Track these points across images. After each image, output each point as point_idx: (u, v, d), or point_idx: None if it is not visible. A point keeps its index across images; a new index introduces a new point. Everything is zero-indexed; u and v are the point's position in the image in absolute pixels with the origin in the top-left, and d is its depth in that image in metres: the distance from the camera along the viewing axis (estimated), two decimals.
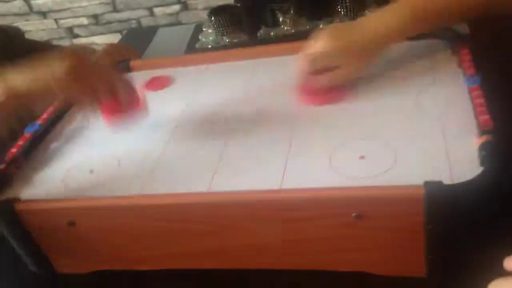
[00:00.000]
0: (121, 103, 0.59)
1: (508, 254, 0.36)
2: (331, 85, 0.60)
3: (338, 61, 0.59)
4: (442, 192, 0.41)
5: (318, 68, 0.60)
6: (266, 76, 0.70)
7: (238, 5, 1.03)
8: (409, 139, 0.51)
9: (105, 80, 0.57)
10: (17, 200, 0.53)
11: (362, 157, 0.50)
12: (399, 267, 0.47)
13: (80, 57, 0.56)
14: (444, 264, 0.45)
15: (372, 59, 0.61)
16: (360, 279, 0.49)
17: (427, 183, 0.42)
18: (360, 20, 0.61)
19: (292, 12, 1.00)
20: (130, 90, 0.60)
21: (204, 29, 1.13)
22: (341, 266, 0.50)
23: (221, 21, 1.04)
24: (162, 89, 0.72)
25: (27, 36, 1.05)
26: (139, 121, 0.61)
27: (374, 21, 0.60)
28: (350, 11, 0.97)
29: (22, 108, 0.59)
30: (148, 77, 0.75)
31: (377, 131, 0.53)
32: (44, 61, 0.55)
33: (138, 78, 0.75)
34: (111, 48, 0.95)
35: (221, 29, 1.05)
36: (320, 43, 0.59)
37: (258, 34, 1.02)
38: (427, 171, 0.45)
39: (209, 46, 1.06)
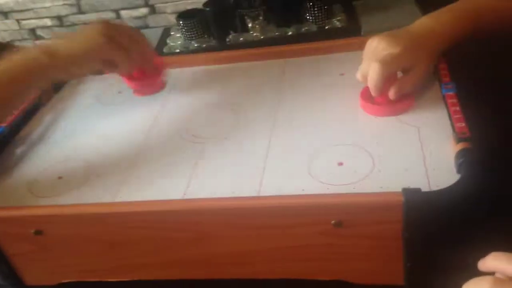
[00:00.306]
0: (146, 68, 0.66)
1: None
2: (404, 92, 0.55)
3: (408, 62, 0.55)
4: (420, 199, 0.42)
5: (393, 72, 0.55)
6: (244, 81, 0.69)
7: (207, 9, 1.02)
8: (387, 146, 0.51)
9: (139, 42, 0.62)
10: None
11: (340, 164, 0.50)
12: (378, 275, 0.48)
13: (114, 23, 0.61)
14: (422, 272, 0.45)
15: (435, 58, 0.58)
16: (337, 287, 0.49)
17: (405, 190, 0.42)
18: (413, 25, 0.59)
19: (261, 18, 1.00)
20: (155, 54, 0.67)
21: (172, 33, 1.11)
22: (320, 275, 0.49)
23: (190, 26, 1.03)
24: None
25: None
26: (160, 87, 0.69)
27: (429, 21, 0.58)
28: (318, 18, 0.99)
29: (65, 75, 0.62)
30: None
31: (355, 137, 0.53)
32: (82, 29, 0.60)
33: None
34: None
35: (189, 34, 1.04)
36: (384, 44, 0.55)
37: (227, 40, 1.02)
38: (405, 178, 0.46)
39: (177, 51, 1.04)
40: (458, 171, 0.45)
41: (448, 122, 0.51)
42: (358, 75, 0.58)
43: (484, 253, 0.37)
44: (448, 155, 0.47)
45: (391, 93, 0.55)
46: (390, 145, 0.51)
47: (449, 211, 0.42)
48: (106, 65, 0.61)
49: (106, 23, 0.60)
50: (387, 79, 0.55)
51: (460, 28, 0.58)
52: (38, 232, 0.50)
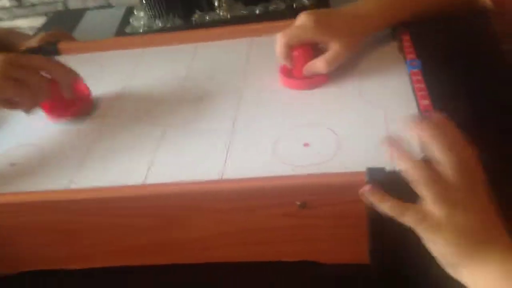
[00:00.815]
0: (63, 96, 0.56)
1: None
2: (325, 70, 0.57)
3: (319, 36, 0.57)
4: (384, 178, 0.41)
5: (298, 42, 0.57)
6: (207, 61, 0.67)
7: None
8: (352, 125, 0.50)
9: (42, 71, 0.54)
10: None
11: (306, 145, 0.49)
12: (345, 254, 0.47)
13: (7, 55, 0.53)
14: (386, 250, 0.45)
15: (357, 42, 0.59)
16: (305, 268, 0.48)
17: (369, 170, 0.42)
18: (341, 8, 0.60)
19: None
20: (73, 78, 0.57)
21: (135, 12, 1.07)
22: (287, 256, 0.49)
23: (154, 4, 0.99)
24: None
25: None
26: (86, 113, 0.58)
27: (355, 7, 0.59)
28: None
29: None
30: None
31: (321, 118, 0.52)
32: None
33: None
34: (48, 36, 0.88)
35: (153, 13, 1.00)
36: (302, 18, 0.57)
37: (193, 19, 0.99)
38: (371, 158, 0.45)
39: (141, 31, 1.01)
40: (422, 150, 0.45)
41: (413, 99, 0.51)
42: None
43: None
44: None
45: (304, 69, 0.57)
46: (355, 124, 0.51)
47: (413, 190, 0.41)
48: (5, 104, 0.55)
49: (6, 60, 0.53)
50: (301, 57, 0.57)
51: (388, 15, 0.60)
52: None
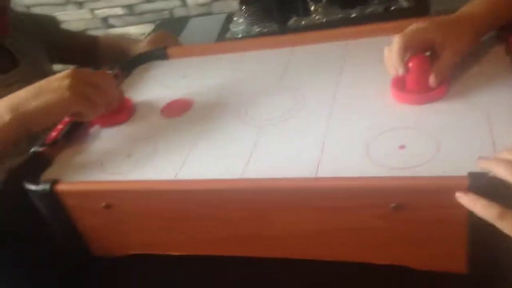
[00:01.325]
0: (112, 113, 0.64)
1: None
2: (443, 77, 0.54)
3: (435, 36, 0.54)
4: (487, 183, 0.40)
5: (415, 45, 0.54)
6: (302, 64, 0.69)
7: None
8: (453, 129, 0.49)
9: (106, 89, 0.61)
10: (56, 181, 0.54)
11: (402, 147, 0.48)
12: (439, 262, 0.46)
13: (80, 73, 0.59)
14: (486, 261, 0.43)
15: (471, 42, 0.57)
16: (397, 272, 0.48)
17: (471, 174, 0.40)
18: (453, 14, 0.58)
19: (324, 0, 0.98)
20: (122, 99, 0.66)
21: (234, 19, 1.12)
22: (378, 259, 0.49)
23: (252, 11, 1.03)
24: (181, 115, 0.65)
25: (63, 26, 1.07)
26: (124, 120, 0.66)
27: (468, 6, 0.58)
28: None
29: (29, 132, 0.59)
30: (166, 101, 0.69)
31: (419, 120, 0.51)
32: (49, 82, 0.58)
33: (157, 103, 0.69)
34: (156, 38, 0.95)
35: (251, 19, 1.04)
36: (421, 22, 0.56)
37: (289, 23, 1.01)
38: (472, 163, 0.43)
39: (240, 36, 1.05)
40: None
41: None
42: (386, 51, 0.57)
43: None
44: None
45: (432, 80, 0.53)
46: (456, 128, 0.49)
47: None
48: (72, 115, 0.61)
49: (73, 74, 0.58)
50: (418, 65, 0.53)
51: (499, 12, 0.57)
52: (108, 206, 0.53)
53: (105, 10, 1.69)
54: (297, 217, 0.48)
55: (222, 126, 0.60)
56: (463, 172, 0.41)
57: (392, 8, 0.95)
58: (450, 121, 0.50)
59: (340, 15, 0.97)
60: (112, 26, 1.73)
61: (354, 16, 0.96)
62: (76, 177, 0.57)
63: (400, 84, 0.56)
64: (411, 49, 0.55)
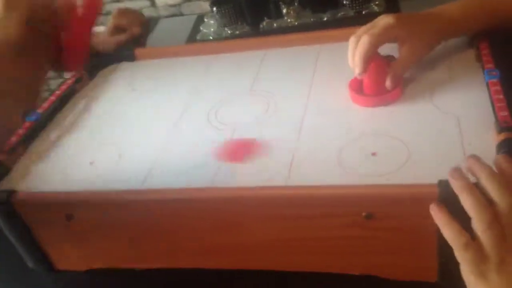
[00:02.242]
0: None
1: None
2: (400, 74, 0.55)
3: (402, 32, 0.54)
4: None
5: (380, 44, 0.54)
6: (274, 67, 0.68)
7: None
8: (424, 136, 0.49)
9: None
10: (14, 191, 0.51)
11: (374, 154, 0.48)
12: (410, 271, 0.46)
13: None
14: (456, 269, 0.43)
15: (432, 42, 0.57)
16: (368, 282, 0.47)
17: (441, 182, 0.40)
18: (423, 11, 0.59)
19: (296, 3, 0.97)
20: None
21: (205, 20, 1.11)
22: (349, 269, 0.48)
23: (223, 12, 1.02)
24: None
25: None
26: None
27: (439, 10, 0.58)
28: (355, 3, 0.95)
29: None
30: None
31: (390, 127, 0.51)
32: None
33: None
34: (120, 10, 0.93)
35: (222, 20, 1.03)
36: (384, 18, 0.55)
37: (261, 26, 1.00)
38: (442, 170, 0.43)
39: (210, 38, 1.04)
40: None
41: (490, 110, 0.48)
42: (352, 38, 0.56)
43: None
44: (489, 146, 0.45)
45: (387, 82, 0.54)
46: (427, 134, 0.49)
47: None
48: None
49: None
50: (376, 69, 0.54)
51: (470, 17, 0.57)
52: (69, 217, 0.50)
53: None
54: (267, 226, 0.47)
55: (192, 131, 0.58)
56: (435, 178, 0.41)
57: (364, 12, 0.95)
58: (421, 127, 0.50)
59: (312, 19, 0.97)
60: None
61: (326, 20, 0.96)
62: (35, 186, 0.54)
63: (357, 86, 0.56)
64: (377, 49, 0.54)
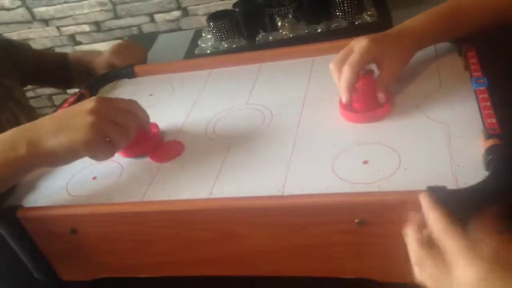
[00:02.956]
0: (139, 137, 0.58)
1: None
2: (388, 89, 0.56)
3: (377, 51, 0.56)
4: (446, 197, 0.41)
5: (364, 66, 0.56)
6: (270, 80, 0.70)
7: (237, 10, 1.03)
8: (414, 143, 0.50)
9: (128, 131, 0.55)
10: (19, 207, 0.53)
11: (365, 162, 0.49)
12: (403, 274, 0.47)
13: (105, 107, 0.54)
14: None
15: (410, 56, 0.60)
16: (362, 286, 0.48)
17: (430, 188, 0.42)
18: (393, 30, 0.61)
19: (290, 16, 1.00)
20: (149, 123, 0.60)
21: (203, 35, 1.13)
22: (345, 273, 0.49)
23: (220, 27, 1.04)
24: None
25: (31, 44, 1.05)
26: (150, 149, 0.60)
27: (403, 25, 0.61)
28: (349, 14, 0.97)
29: (43, 167, 0.56)
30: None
31: (381, 136, 0.53)
32: (73, 114, 0.53)
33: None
34: (119, 48, 0.93)
35: (219, 35, 1.05)
36: (359, 42, 0.57)
37: (257, 39, 1.02)
38: (432, 176, 0.45)
39: (208, 52, 1.06)
40: (487, 168, 0.44)
41: (478, 117, 0.50)
42: (331, 65, 0.59)
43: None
44: (478, 152, 0.46)
45: (380, 96, 0.56)
46: (417, 142, 0.50)
47: (476, 210, 0.41)
48: (90, 157, 0.55)
49: (97, 110, 0.53)
50: (365, 86, 0.55)
51: (434, 27, 0.60)
52: (74, 231, 0.52)
53: (72, 27, 1.67)
54: (265, 235, 0.49)
55: (190, 145, 0.60)
56: (425, 185, 0.42)
57: (357, 23, 0.97)
58: (411, 135, 0.52)
59: (306, 30, 0.99)
60: (80, 43, 1.71)
61: (320, 31, 0.98)
62: (40, 201, 0.56)
63: (347, 104, 0.57)
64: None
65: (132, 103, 0.58)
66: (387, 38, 0.58)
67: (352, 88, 0.56)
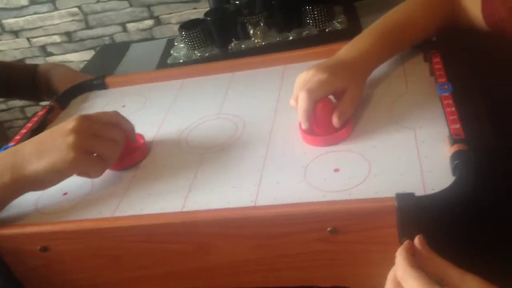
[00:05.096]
0: (128, 149, 0.58)
1: (483, 265, 0.38)
2: (346, 117, 0.55)
3: (338, 84, 0.56)
4: (414, 203, 0.42)
5: (322, 95, 0.55)
6: (242, 89, 0.70)
7: (209, 19, 1.03)
8: (383, 151, 0.51)
9: (116, 144, 0.55)
10: None
11: (336, 170, 0.50)
12: (377, 280, 0.47)
13: (86, 124, 0.53)
14: None
15: (363, 81, 0.60)
16: None
17: (398, 195, 0.42)
18: (337, 54, 0.62)
19: (262, 24, 1.00)
20: (134, 133, 0.60)
21: (175, 44, 1.13)
22: (321, 282, 0.49)
23: (192, 36, 1.04)
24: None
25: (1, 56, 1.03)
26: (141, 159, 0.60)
27: (350, 51, 0.61)
28: (319, 22, 0.98)
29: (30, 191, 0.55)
30: None
31: (351, 143, 0.53)
32: (54, 136, 0.53)
33: None
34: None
35: (192, 43, 1.05)
36: (317, 73, 0.56)
37: (229, 48, 1.02)
38: (401, 183, 0.45)
39: (181, 61, 1.06)
40: (454, 173, 0.45)
41: (444, 123, 0.51)
42: (292, 101, 0.58)
43: (480, 256, 0.37)
44: (445, 157, 0.47)
45: (335, 120, 0.54)
46: (386, 149, 0.51)
47: (444, 214, 0.42)
48: (79, 175, 0.55)
49: (77, 128, 0.52)
50: (324, 109, 0.55)
51: (378, 51, 0.62)
52: (44, 249, 0.51)
53: (42, 38, 1.64)
54: (238, 246, 0.49)
55: (162, 157, 0.60)
56: (394, 191, 0.43)
57: (327, 30, 0.98)
58: (380, 142, 0.53)
59: (278, 38, 1.00)
60: (51, 54, 1.69)
61: (292, 39, 0.99)
62: (9, 219, 0.54)
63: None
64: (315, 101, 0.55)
65: (115, 114, 0.58)
66: (344, 70, 0.58)
67: (308, 114, 0.54)
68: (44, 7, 1.57)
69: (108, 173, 0.58)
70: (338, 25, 0.98)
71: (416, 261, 0.40)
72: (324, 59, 0.70)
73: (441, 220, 0.42)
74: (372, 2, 1.08)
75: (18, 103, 1.85)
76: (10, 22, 1.62)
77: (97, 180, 0.57)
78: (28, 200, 0.57)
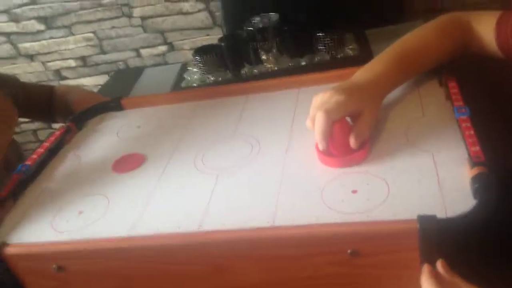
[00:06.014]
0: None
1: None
2: (363, 139, 0.55)
3: (355, 106, 0.56)
4: (436, 226, 0.41)
5: (339, 118, 0.55)
6: (256, 111, 0.71)
7: (222, 44, 1.05)
8: (401, 173, 0.51)
9: None
10: (4, 244, 0.52)
11: (354, 191, 0.50)
12: None
13: None
14: None
15: (379, 104, 0.60)
16: None
17: (420, 217, 0.42)
18: (353, 77, 0.62)
19: (274, 50, 1.02)
20: None
21: (189, 69, 1.14)
22: None
23: (205, 60, 1.05)
24: (134, 169, 0.63)
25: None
26: None
27: (365, 74, 0.62)
28: (331, 48, 1.00)
29: None
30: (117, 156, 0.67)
31: (369, 165, 0.53)
32: None
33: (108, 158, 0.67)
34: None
35: (205, 68, 1.06)
36: (334, 95, 0.56)
37: (242, 72, 1.04)
38: (420, 205, 0.45)
39: (194, 85, 1.07)
40: (475, 197, 0.45)
41: (463, 145, 0.51)
42: (308, 122, 0.58)
43: (503, 279, 0.37)
44: (465, 180, 0.47)
45: (352, 142, 0.54)
46: (404, 171, 0.51)
47: (466, 238, 0.41)
48: None
49: None
50: (342, 130, 0.55)
51: (393, 75, 0.62)
52: (60, 268, 0.51)
53: (57, 62, 1.67)
54: (255, 267, 0.48)
55: (178, 177, 0.60)
56: (414, 213, 0.43)
57: (339, 56, 1.00)
58: (398, 164, 0.52)
59: (290, 63, 1.01)
60: (65, 78, 1.71)
61: (304, 64, 1.00)
62: (26, 238, 0.54)
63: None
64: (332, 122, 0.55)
65: None
66: (360, 92, 0.58)
67: (326, 135, 0.54)
68: (60, 32, 1.60)
69: (125, 193, 0.59)
70: (349, 51, 1.00)
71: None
72: (338, 82, 0.72)
73: (464, 243, 0.41)
74: (382, 31, 1.10)
75: (31, 126, 1.87)
76: (26, 46, 1.65)
77: (113, 199, 0.57)
78: (44, 219, 0.57)
